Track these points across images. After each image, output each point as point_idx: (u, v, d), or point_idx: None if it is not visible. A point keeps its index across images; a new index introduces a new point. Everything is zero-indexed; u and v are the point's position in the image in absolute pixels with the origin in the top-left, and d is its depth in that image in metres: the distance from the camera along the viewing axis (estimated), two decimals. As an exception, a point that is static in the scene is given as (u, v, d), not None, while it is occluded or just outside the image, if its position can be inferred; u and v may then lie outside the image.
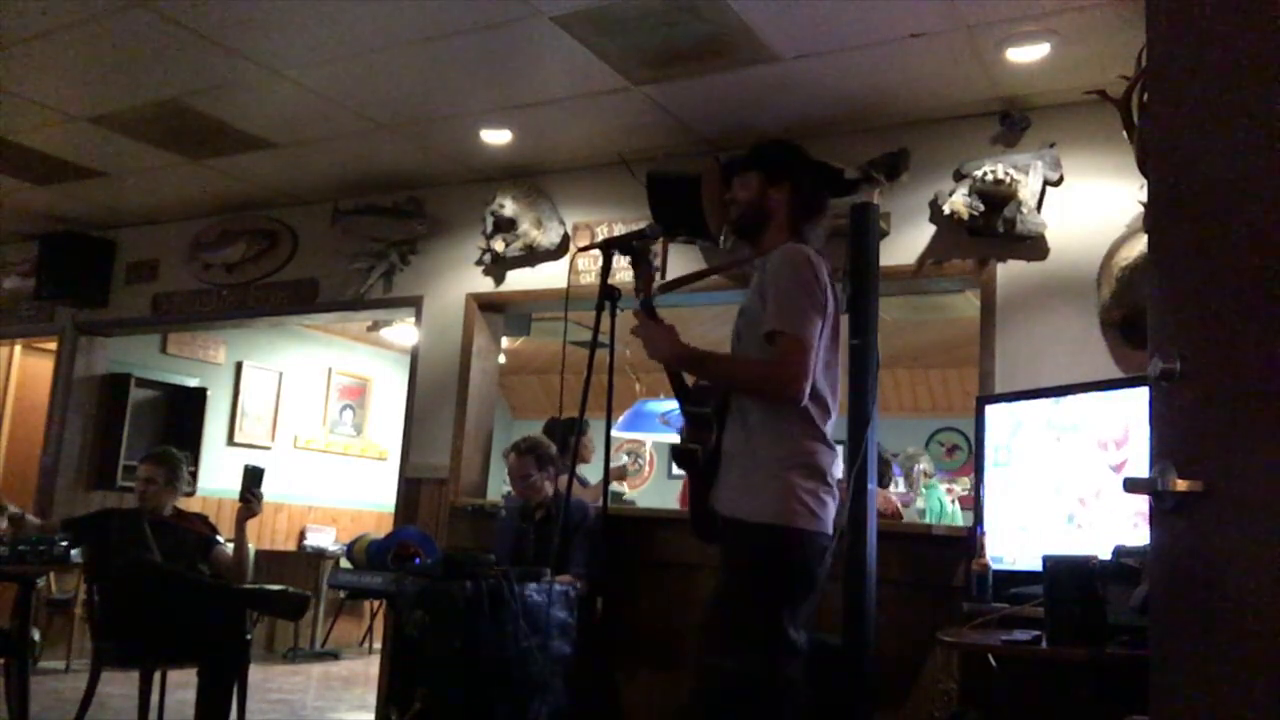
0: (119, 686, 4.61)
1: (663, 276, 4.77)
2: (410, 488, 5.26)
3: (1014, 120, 4.09)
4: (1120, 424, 2.94)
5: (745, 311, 2.72)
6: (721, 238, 4.33)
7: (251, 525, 4.15)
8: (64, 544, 4.14)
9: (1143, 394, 1.84)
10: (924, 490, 6.71)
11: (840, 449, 2.72)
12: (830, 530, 2.59)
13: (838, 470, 2.66)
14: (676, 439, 3.10)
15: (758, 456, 2.57)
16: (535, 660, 3.62)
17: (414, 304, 5.43)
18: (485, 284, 5.23)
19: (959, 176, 4.08)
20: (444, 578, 3.65)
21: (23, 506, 4.94)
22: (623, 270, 4.75)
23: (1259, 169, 1.45)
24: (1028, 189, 3.91)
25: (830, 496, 2.60)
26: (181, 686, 4.05)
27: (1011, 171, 3.89)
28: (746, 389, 2.64)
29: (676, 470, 9.42)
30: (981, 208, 3.94)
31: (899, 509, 5.39)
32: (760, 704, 2.45)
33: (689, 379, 2.79)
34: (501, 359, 5.94)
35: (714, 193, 4.05)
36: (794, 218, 2.74)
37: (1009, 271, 4.01)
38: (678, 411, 2.83)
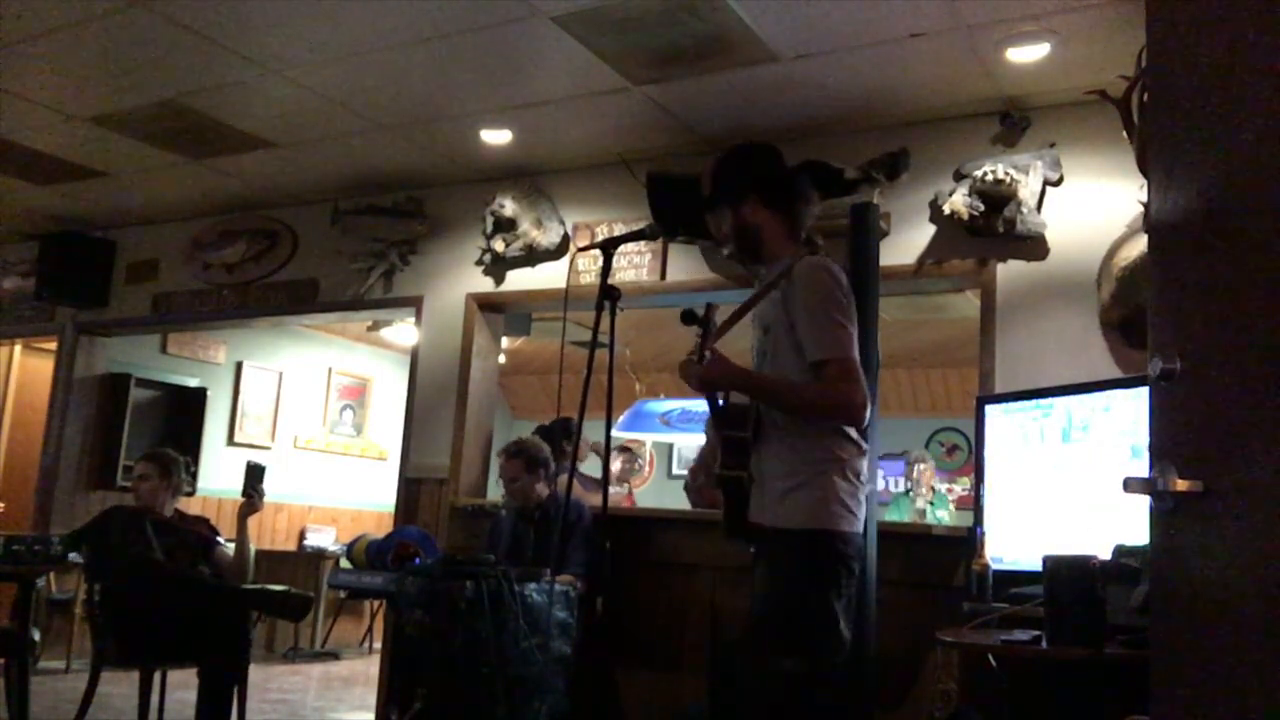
0: (119, 686, 4.61)
1: (662, 278, 4.78)
2: (410, 488, 5.26)
3: (1014, 120, 4.09)
4: (1125, 424, 2.94)
5: (771, 327, 2.63)
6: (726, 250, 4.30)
7: (252, 525, 4.15)
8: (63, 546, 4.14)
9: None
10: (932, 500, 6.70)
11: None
12: (862, 528, 2.63)
13: (866, 470, 2.67)
14: (676, 439, 3.10)
15: (798, 463, 2.56)
16: (535, 660, 3.62)
17: (414, 304, 5.43)
18: (485, 284, 5.23)
19: (959, 176, 4.08)
20: (444, 578, 3.65)
21: (23, 507, 4.94)
22: (622, 270, 4.78)
23: (1259, 169, 1.45)
24: (1028, 189, 3.91)
25: (863, 496, 2.63)
26: (181, 686, 4.04)
27: (1011, 171, 3.89)
28: (807, 414, 2.58)
29: (677, 470, 9.40)
30: (981, 208, 3.94)
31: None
32: (818, 701, 2.50)
33: (731, 397, 2.69)
34: (501, 359, 5.95)
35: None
36: (778, 219, 2.71)
37: (1009, 271, 4.01)
38: (680, 412, 2.82)
